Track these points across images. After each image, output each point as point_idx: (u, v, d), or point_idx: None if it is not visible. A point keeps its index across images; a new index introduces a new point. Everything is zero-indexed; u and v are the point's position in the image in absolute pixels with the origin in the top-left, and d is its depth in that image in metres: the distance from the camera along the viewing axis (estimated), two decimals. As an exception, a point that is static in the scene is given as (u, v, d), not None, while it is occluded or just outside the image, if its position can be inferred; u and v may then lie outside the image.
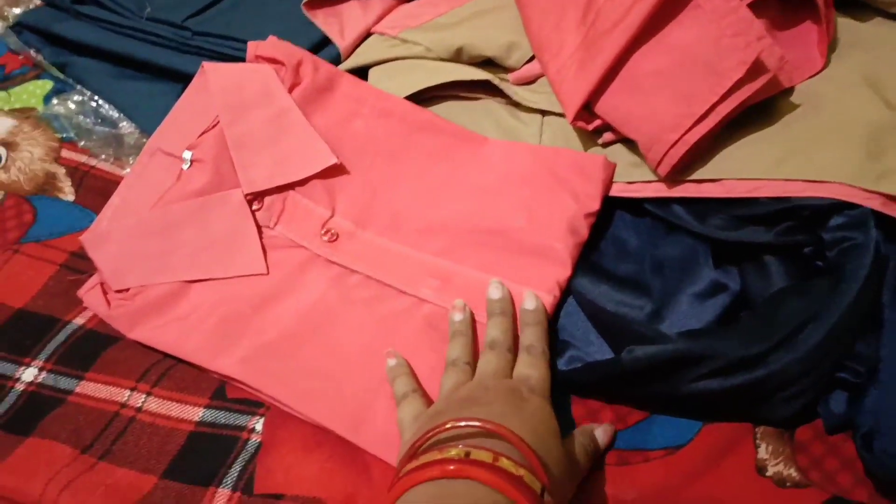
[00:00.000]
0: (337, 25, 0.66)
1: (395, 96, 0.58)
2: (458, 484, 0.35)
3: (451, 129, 0.57)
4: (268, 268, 0.53)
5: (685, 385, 0.44)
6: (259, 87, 0.57)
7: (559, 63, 0.55)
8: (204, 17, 0.68)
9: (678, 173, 0.50)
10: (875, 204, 0.45)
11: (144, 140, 0.63)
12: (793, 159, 0.48)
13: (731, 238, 0.49)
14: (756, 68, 0.47)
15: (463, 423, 0.38)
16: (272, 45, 0.59)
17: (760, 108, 0.51)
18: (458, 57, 0.61)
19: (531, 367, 0.45)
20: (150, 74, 0.66)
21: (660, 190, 0.51)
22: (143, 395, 0.50)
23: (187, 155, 0.56)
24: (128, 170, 0.63)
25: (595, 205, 0.52)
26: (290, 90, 0.57)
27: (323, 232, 0.54)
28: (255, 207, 0.55)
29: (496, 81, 0.58)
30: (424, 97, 0.60)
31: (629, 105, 0.51)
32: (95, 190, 0.62)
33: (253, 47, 0.59)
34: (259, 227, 0.54)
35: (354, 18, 0.66)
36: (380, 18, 0.66)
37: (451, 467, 0.35)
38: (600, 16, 0.52)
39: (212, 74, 0.58)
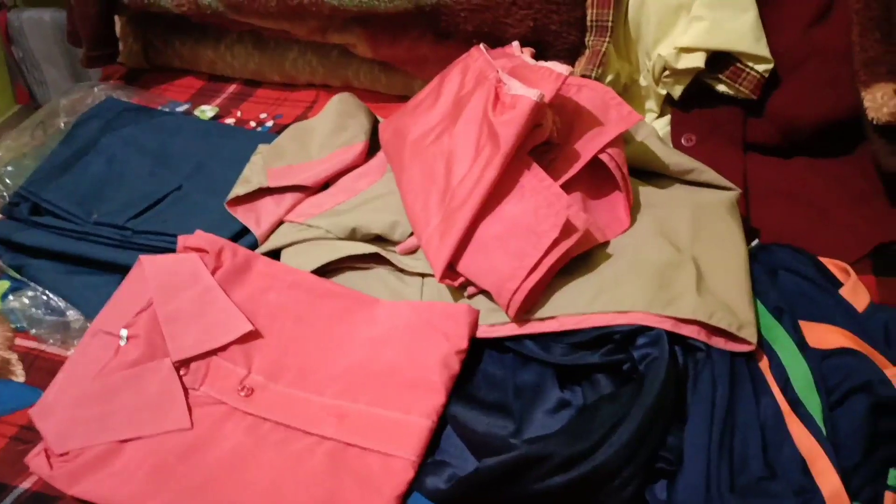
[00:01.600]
0: (254, 218, 0.80)
1: (301, 271, 0.71)
2: None
3: (348, 295, 0.70)
4: (192, 423, 0.63)
5: (533, 484, 0.53)
6: (187, 272, 0.70)
7: (427, 235, 0.69)
8: (143, 217, 0.81)
9: (524, 314, 0.63)
10: (667, 325, 0.58)
11: (88, 324, 0.74)
12: (603, 295, 0.61)
13: (567, 363, 0.61)
14: (567, 229, 0.61)
15: None
16: (198, 237, 0.72)
17: (582, 259, 0.65)
18: (353, 235, 0.74)
19: None
20: (96, 269, 0.78)
21: (512, 329, 0.64)
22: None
23: (124, 333, 0.67)
24: (72, 350, 0.73)
25: (463, 343, 0.63)
26: (213, 272, 0.70)
27: (240, 388, 0.64)
28: (182, 373, 0.65)
29: (384, 253, 0.72)
30: (327, 270, 0.73)
31: (480, 263, 0.64)
32: (44, 370, 0.72)
33: (182, 240, 0.72)
34: (185, 389, 0.64)
35: (269, 211, 0.80)
36: (290, 210, 0.81)
37: None
38: (453, 197, 0.67)
39: (147, 264, 0.71)
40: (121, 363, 0.65)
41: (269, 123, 1.03)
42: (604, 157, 0.67)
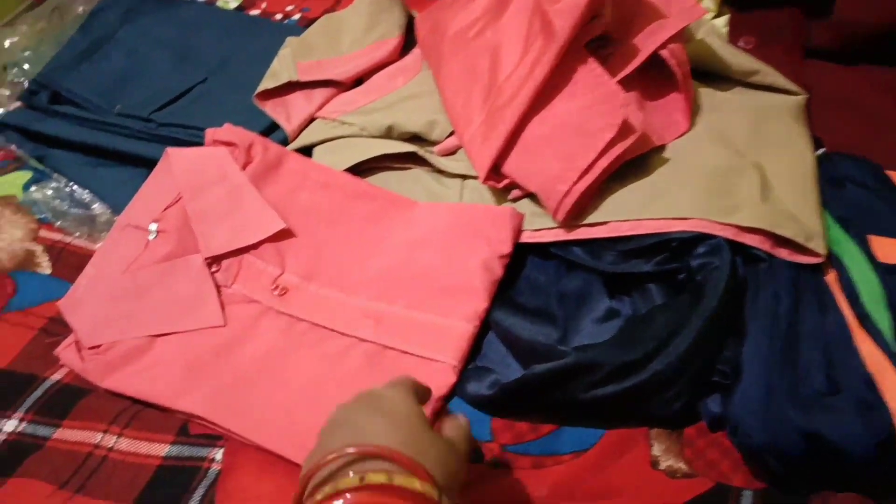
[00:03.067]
0: (284, 113, 0.76)
1: (335, 170, 0.68)
2: None
3: (384, 196, 0.66)
4: (225, 321, 0.60)
5: (581, 393, 0.52)
6: (216, 166, 0.66)
7: (469, 134, 0.65)
8: (167, 111, 0.77)
9: (572, 219, 0.60)
10: (728, 234, 0.55)
11: (114, 218, 0.71)
12: (659, 201, 0.58)
13: (618, 270, 0.58)
14: (623, 129, 0.57)
15: (340, 454, 0.37)
16: (227, 130, 0.68)
17: (636, 162, 0.61)
18: (388, 134, 0.70)
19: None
20: (120, 162, 0.75)
21: (559, 234, 0.61)
22: (115, 437, 0.56)
23: (153, 227, 0.64)
24: (100, 244, 0.71)
25: (506, 248, 0.60)
26: (243, 168, 0.66)
27: (273, 287, 0.62)
28: (213, 269, 0.63)
29: (421, 153, 0.68)
30: (361, 169, 0.69)
31: (527, 165, 0.61)
32: (71, 264, 0.70)
33: (211, 133, 0.69)
34: (218, 287, 0.62)
35: (299, 107, 0.76)
36: (321, 106, 0.76)
37: (349, 496, 0.35)
38: (500, 93, 0.63)
39: (174, 158, 0.67)
40: (151, 258, 0.63)
41: (296, 16, 0.97)
42: (664, 53, 0.62)
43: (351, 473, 0.36)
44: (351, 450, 0.37)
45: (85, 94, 0.79)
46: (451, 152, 0.70)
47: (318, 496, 0.36)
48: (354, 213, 0.66)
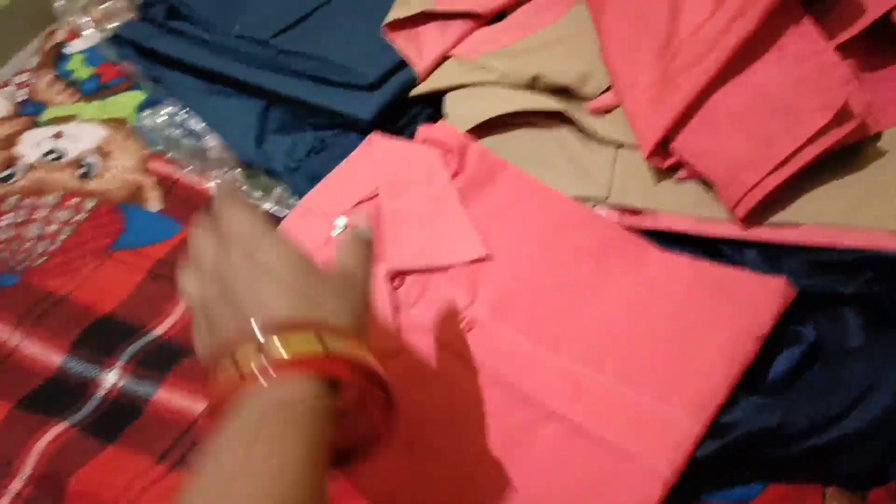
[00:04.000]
0: (415, 48, 0.67)
1: (556, 192, 0.57)
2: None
3: (609, 231, 0.54)
4: (399, 349, 0.51)
5: (759, 453, 0.43)
6: (423, 168, 0.58)
7: (635, 95, 0.54)
8: (289, 35, 0.70)
9: (754, 215, 0.49)
10: (964, 260, 0.44)
11: (226, 155, 0.66)
12: (876, 207, 0.46)
13: (808, 288, 0.47)
14: (842, 114, 0.45)
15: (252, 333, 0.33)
16: (442, 129, 0.59)
17: (844, 152, 0.49)
18: (533, 84, 0.61)
19: None
20: (236, 91, 0.69)
21: (734, 231, 0.51)
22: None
23: (341, 222, 0.56)
24: (211, 183, 0.66)
25: (765, 327, 0.46)
26: (453, 176, 0.57)
27: (460, 319, 0.52)
28: (395, 284, 0.54)
29: (569, 112, 0.58)
30: (495, 124, 0.60)
31: (708, 144, 0.50)
32: (181, 200, 0.65)
33: (423, 131, 0.60)
34: (398, 305, 0.53)
35: (432, 42, 0.67)
36: (457, 42, 0.67)
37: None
38: (681, 51, 0.51)
39: (378, 146, 0.60)
40: (329, 257, 0.55)
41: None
42: (899, 15, 0.49)
43: (278, 344, 0.32)
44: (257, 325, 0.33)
45: (202, 10, 0.73)
46: (607, 111, 0.59)
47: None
48: (570, 246, 0.54)
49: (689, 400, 0.45)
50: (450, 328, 0.52)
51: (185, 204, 0.64)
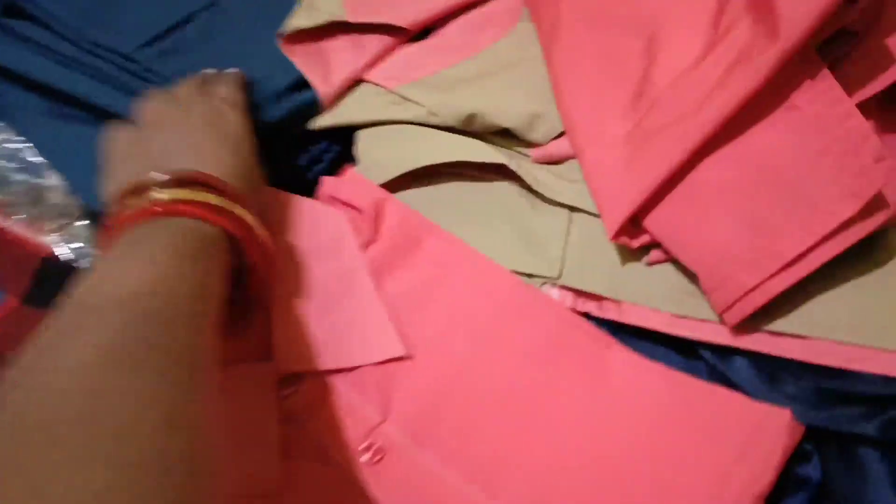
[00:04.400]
0: (320, 67, 0.53)
1: (492, 264, 0.44)
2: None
3: (561, 323, 0.42)
4: (281, 482, 0.39)
5: None
6: (326, 235, 0.45)
7: (598, 152, 0.43)
8: (160, 46, 0.55)
9: (748, 320, 0.38)
10: None
11: (69, 199, 0.51)
12: (902, 323, 0.36)
13: (813, 422, 0.37)
14: (875, 202, 0.34)
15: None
16: (351, 182, 0.47)
17: (878, 243, 0.38)
18: (468, 125, 0.48)
19: None
20: (87, 116, 0.53)
21: (720, 335, 0.39)
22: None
23: None
24: (50, 237, 0.50)
25: (766, 479, 0.35)
26: (365, 247, 0.45)
27: (365, 446, 0.40)
28: (285, 392, 0.41)
29: (514, 166, 0.46)
30: (422, 173, 0.48)
31: (692, 228, 0.39)
32: (6, 259, 0.50)
33: (331, 185, 0.47)
34: (287, 417, 0.40)
35: (342, 61, 0.53)
36: (373, 63, 0.53)
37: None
38: (659, 103, 0.40)
39: (279, 203, 0.47)
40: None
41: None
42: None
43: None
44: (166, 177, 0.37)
45: (54, 8, 0.57)
46: (557, 162, 0.48)
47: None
48: (512, 342, 0.42)
49: None
50: (352, 456, 0.40)
51: (12, 265, 0.49)
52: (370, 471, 0.39)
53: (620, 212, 0.40)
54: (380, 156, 0.48)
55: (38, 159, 0.53)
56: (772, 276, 0.36)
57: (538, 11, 0.50)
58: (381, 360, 0.42)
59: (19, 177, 0.53)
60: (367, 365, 0.42)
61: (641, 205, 0.39)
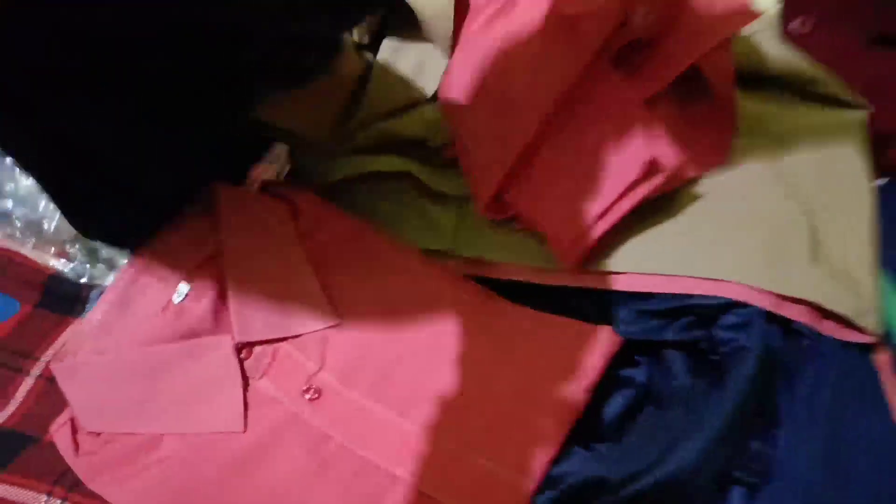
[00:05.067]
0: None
1: (406, 246, 0.57)
2: None
3: (460, 286, 0.54)
4: (246, 425, 0.50)
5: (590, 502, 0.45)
6: (271, 225, 0.56)
7: (468, 152, 0.55)
8: None
9: (583, 265, 0.51)
10: (767, 303, 0.46)
11: (66, 228, 0.63)
12: (693, 256, 0.49)
13: (633, 335, 0.49)
14: (651, 169, 0.47)
15: None
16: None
17: (666, 198, 0.51)
18: (381, 142, 0.60)
19: None
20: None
21: (564, 279, 0.52)
22: (59, 501, 0.50)
23: (183, 288, 0.53)
24: (52, 258, 0.63)
25: (592, 376, 0.48)
26: (303, 236, 0.56)
27: (305, 388, 0.51)
28: (243, 355, 0.52)
29: (416, 171, 0.58)
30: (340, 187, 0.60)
31: (533, 197, 0.52)
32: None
33: (256, 173, 0.58)
34: (246, 379, 0.52)
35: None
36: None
37: None
38: (510, 108, 0.52)
39: (225, 199, 0.56)
40: (172, 328, 0.52)
41: None
42: (705, 66, 0.51)
43: None
44: None
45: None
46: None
47: None
48: (423, 305, 0.53)
49: (524, 458, 0.46)
50: (297, 396, 0.52)
51: (24, 281, 0.61)
52: (311, 406, 0.51)
53: (485, 192, 0.53)
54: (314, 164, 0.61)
55: (34, 192, 0.65)
56: (588, 227, 0.48)
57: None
58: (320, 328, 0.53)
59: (19, 212, 0.65)
60: (307, 333, 0.53)
61: (500, 186, 0.52)
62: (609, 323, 0.51)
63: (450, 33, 0.55)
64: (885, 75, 0.66)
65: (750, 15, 0.51)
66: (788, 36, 0.68)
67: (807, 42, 0.66)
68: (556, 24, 0.48)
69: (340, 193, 0.60)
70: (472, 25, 0.54)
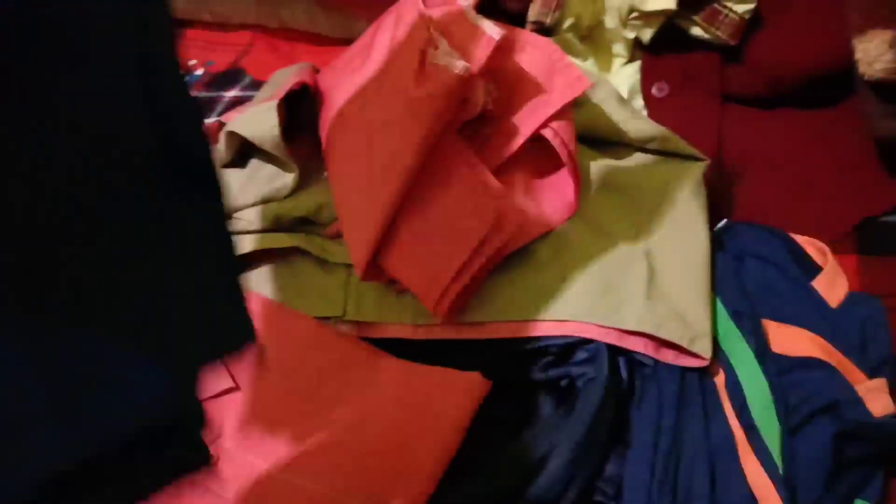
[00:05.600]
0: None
1: (299, 314, 0.61)
2: None
3: (349, 347, 0.59)
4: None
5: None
6: None
7: (348, 223, 0.61)
8: None
9: (456, 318, 0.56)
10: (610, 338, 0.51)
11: None
12: (544, 299, 0.54)
13: (504, 377, 0.54)
14: (499, 225, 0.53)
15: None
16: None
17: (527, 251, 0.57)
18: (275, 224, 0.66)
19: None
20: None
21: (442, 333, 0.57)
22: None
23: None
24: None
25: (464, 422, 0.52)
26: None
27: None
28: None
29: (305, 245, 0.63)
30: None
31: (403, 261, 0.57)
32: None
33: None
34: None
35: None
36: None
37: None
38: (373, 182, 0.58)
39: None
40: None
41: (199, 71, 0.93)
42: (547, 132, 0.57)
43: None
44: None
45: None
46: (340, 235, 0.66)
47: None
48: (314, 367, 0.58)
49: (407, 498, 0.50)
50: None
51: None
52: (208, 473, 0.54)
53: (360, 259, 0.58)
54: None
55: None
56: (449, 284, 0.53)
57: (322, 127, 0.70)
58: (215, 393, 0.57)
59: None
60: (205, 398, 0.57)
61: (372, 252, 0.57)
62: (483, 369, 0.55)
63: (280, 150, 0.63)
64: (737, 130, 0.74)
65: (582, 83, 0.58)
66: (649, 101, 0.76)
67: (664, 105, 0.74)
68: (406, 105, 0.55)
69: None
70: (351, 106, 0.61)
